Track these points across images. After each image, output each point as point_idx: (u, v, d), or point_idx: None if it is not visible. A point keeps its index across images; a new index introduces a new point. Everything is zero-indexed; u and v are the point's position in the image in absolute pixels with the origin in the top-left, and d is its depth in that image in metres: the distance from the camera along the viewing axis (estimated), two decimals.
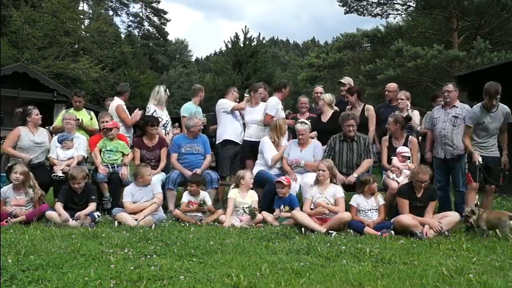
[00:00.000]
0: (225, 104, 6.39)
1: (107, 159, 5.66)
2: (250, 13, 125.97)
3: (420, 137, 6.15)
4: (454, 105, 5.50)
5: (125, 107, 6.46)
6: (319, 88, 7.08)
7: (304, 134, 5.68)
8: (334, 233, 4.48)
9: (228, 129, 6.28)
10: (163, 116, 6.47)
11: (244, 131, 6.42)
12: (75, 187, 4.90)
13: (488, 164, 5.02)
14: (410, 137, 5.65)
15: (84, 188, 4.99)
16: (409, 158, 5.39)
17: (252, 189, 5.35)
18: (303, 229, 4.61)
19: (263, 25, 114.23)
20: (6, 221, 4.60)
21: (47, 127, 6.28)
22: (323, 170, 4.99)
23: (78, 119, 6.20)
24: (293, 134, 6.10)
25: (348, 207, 4.95)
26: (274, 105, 6.21)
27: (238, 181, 5.30)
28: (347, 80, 7.04)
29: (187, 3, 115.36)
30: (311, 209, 4.94)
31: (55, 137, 5.79)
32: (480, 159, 4.94)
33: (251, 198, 5.22)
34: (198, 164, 5.86)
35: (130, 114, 6.39)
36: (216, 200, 5.98)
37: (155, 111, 6.33)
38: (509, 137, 5.34)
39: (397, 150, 5.46)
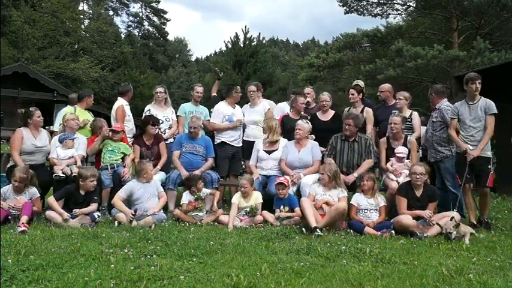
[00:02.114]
0: (217, 111, 6.43)
1: (108, 160, 5.66)
2: (249, 13, 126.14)
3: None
4: (435, 108, 5.52)
5: (127, 107, 6.46)
6: (307, 89, 7.15)
7: (302, 131, 5.68)
8: (319, 232, 4.38)
9: (225, 132, 6.31)
10: (169, 115, 6.54)
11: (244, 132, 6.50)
12: (87, 186, 4.91)
13: (474, 164, 4.96)
14: (409, 137, 5.65)
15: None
16: (403, 159, 5.39)
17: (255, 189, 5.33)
18: (304, 229, 4.60)
19: (263, 25, 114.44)
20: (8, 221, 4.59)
21: (46, 127, 6.25)
22: (328, 174, 4.96)
23: (90, 120, 6.22)
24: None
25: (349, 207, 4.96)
26: (278, 111, 6.59)
27: (240, 188, 5.29)
28: (362, 83, 7.08)
29: (185, 3, 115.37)
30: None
31: (55, 137, 5.78)
32: (469, 147, 4.93)
33: (255, 201, 5.19)
34: (197, 164, 5.86)
35: (134, 114, 6.45)
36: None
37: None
38: (500, 132, 5.30)
39: (395, 150, 5.47)
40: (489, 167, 5.10)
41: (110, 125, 6.14)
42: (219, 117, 6.35)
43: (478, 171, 5.06)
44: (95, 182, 5.00)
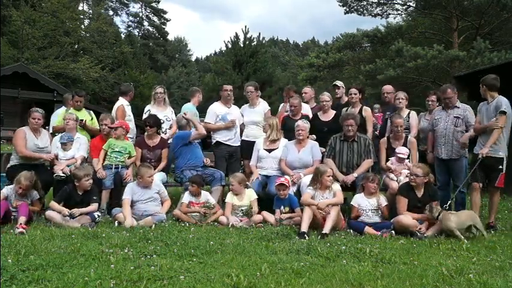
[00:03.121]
0: (210, 111, 6.42)
1: (114, 160, 5.64)
2: (248, 14, 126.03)
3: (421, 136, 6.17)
4: (456, 106, 5.51)
5: (128, 108, 6.47)
6: (306, 89, 7.16)
7: (304, 131, 5.69)
8: (306, 237, 4.29)
9: (220, 132, 6.30)
10: (168, 115, 6.54)
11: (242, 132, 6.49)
12: (84, 186, 4.89)
13: (484, 163, 4.98)
14: (409, 137, 5.65)
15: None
16: (404, 159, 5.39)
17: (247, 187, 5.33)
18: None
19: (262, 25, 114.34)
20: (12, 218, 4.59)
21: (46, 127, 6.24)
22: (330, 175, 4.96)
23: (82, 120, 6.14)
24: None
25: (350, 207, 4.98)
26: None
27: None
28: (341, 83, 7.14)
29: (185, 4, 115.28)
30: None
31: (56, 137, 5.77)
32: (484, 150, 4.95)
33: (248, 199, 5.20)
34: (199, 161, 5.86)
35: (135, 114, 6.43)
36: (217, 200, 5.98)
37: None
38: None
39: (396, 150, 5.47)
40: (500, 167, 5.02)
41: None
42: (212, 117, 6.35)
43: (489, 171, 5.06)
44: (91, 180, 4.98)
